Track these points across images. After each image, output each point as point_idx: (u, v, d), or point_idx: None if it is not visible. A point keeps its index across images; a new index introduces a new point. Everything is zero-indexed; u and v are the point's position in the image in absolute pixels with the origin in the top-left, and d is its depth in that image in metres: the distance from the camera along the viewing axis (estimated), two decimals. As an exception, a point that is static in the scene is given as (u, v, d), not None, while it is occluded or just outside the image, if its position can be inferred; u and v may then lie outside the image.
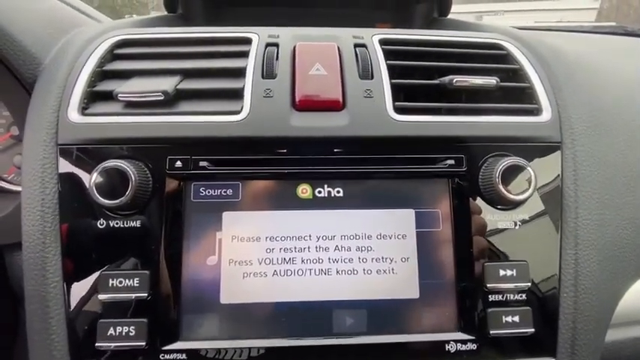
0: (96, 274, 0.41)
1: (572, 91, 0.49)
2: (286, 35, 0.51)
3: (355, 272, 0.43)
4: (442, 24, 0.74)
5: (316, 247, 0.43)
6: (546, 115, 0.48)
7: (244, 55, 0.48)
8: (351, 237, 0.43)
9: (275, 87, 0.45)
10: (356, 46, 0.50)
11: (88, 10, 0.66)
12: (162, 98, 0.43)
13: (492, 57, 0.52)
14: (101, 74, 0.48)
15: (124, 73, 0.47)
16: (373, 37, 0.51)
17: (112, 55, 0.50)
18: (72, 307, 0.41)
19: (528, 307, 0.43)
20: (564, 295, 0.44)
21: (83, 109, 0.44)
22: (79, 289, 0.41)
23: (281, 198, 0.44)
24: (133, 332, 0.40)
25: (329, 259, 0.43)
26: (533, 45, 0.54)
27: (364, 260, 0.43)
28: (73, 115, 0.44)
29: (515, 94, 0.50)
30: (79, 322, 0.41)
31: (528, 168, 0.43)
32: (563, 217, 0.45)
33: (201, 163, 0.43)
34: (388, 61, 0.48)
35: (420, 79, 0.48)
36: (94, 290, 0.40)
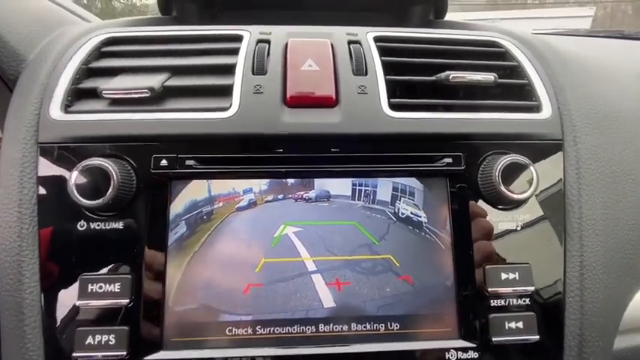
0: (75, 279, 0.39)
1: (573, 88, 0.48)
2: (279, 32, 0.50)
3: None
4: (439, 25, 0.73)
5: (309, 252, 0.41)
6: (546, 112, 0.46)
7: (235, 52, 0.47)
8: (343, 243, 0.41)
9: (265, 83, 0.43)
10: (350, 42, 0.49)
11: (78, 11, 0.65)
12: (148, 95, 0.42)
13: (490, 54, 0.51)
14: (87, 72, 0.46)
15: (110, 70, 0.46)
16: (368, 34, 0.50)
17: (99, 53, 0.49)
18: (49, 314, 0.38)
19: (532, 313, 0.41)
20: (570, 299, 0.42)
21: (66, 107, 0.43)
22: (57, 294, 0.39)
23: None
24: (113, 341, 0.37)
25: (326, 267, 0.41)
26: (531, 43, 0.53)
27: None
28: (55, 112, 0.42)
29: (514, 91, 0.49)
30: (56, 330, 0.38)
31: (529, 165, 0.41)
32: (566, 217, 0.43)
33: (188, 162, 0.41)
34: (383, 58, 0.47)
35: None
36: (72, 296, 0.38)
